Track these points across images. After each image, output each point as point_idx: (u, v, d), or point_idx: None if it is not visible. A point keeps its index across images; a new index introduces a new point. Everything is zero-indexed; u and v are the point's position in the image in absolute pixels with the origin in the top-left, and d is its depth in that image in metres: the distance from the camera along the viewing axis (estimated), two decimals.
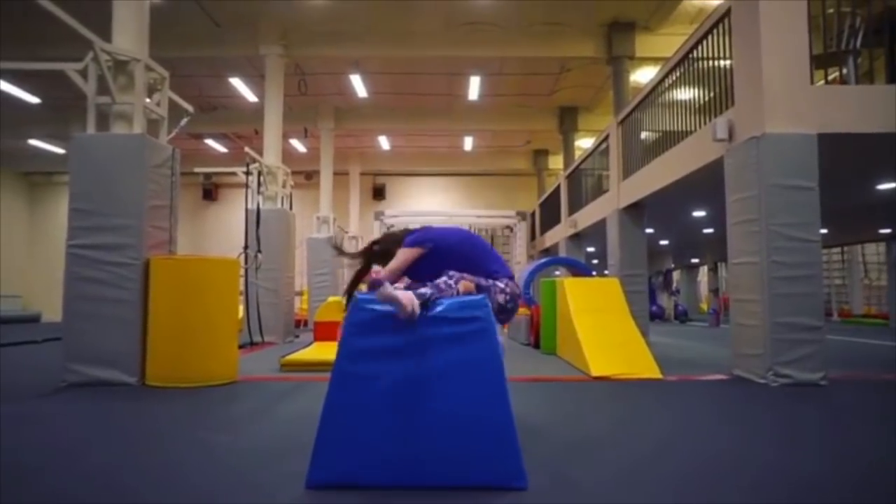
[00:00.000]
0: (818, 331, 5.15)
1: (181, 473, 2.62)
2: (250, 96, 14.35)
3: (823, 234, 5.56)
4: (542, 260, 12.28)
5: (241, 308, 8.65)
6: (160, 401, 4.38)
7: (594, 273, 11.44)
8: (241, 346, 6.84)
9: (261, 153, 10.43)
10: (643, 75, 12.77)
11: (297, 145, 18.40)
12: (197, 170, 14.45)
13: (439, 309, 2.45)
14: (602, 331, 6.38)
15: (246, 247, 8.75)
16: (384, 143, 19.22)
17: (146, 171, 5.20)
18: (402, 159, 20.93)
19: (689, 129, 7.28)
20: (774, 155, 5.21)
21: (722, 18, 6.20)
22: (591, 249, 15.67)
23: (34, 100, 13.60)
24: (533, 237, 18.13)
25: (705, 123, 6.63)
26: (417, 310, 2.38)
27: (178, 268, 5.19)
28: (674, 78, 7.83)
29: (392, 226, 14.73)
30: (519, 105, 16.26)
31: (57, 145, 17.05)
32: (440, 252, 2.92)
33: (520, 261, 14.40)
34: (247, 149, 9.38)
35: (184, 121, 6.29)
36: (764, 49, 5.31)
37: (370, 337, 2.42)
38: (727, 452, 3.00)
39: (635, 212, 9.54)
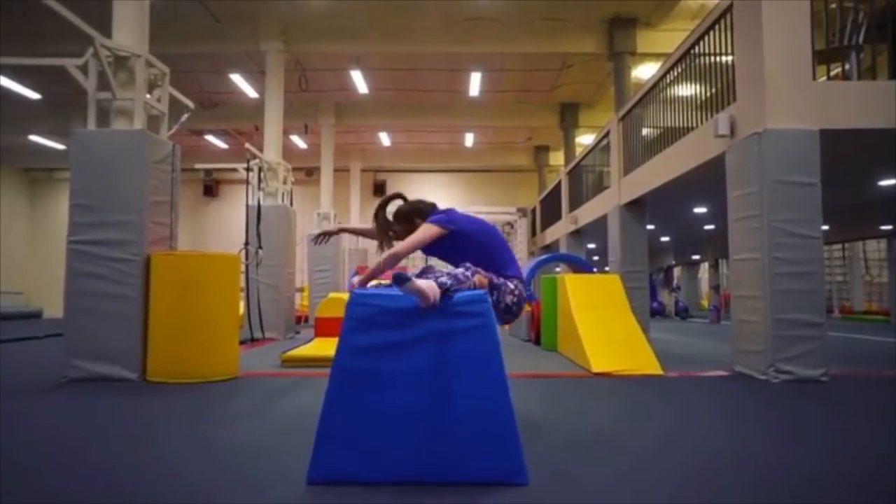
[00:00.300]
0: (819, 327, 5.15)
1: (181, 469, 2.62)
2: (251, 92, 14.33)
3: (825, 231, 5.54)
4: (543, 256, 12.27)
5: (242, 304, 8.66)
6: (161, 396, 4.38)
7: (595, 269, 11.43)
8: (241, 342, 6.85)
9: (261, 149, 10.43)
10: (644, 71, 12.74)
11: (298, 142, 18.39)
12: (198, 166, 14.46)
13: (442, 305, 2.45)
14: (603, 327, 6.37)
15: (247, 243, 8.76)
16: (385, 139, 19.21)
17: (147, 167, 5.20)
18: (403, 155, 20.91)
19: (690, 125, 7.27)
20: (776, 151, 5.20)
21: (724, 14, 6.17)
22: (591, 246, 15.67)
23: (35, 96, 13.59)
24: (534, 233, 18.13)
25: (707, 119, 6.62)
26: (438, 300, 2.38)
27: (179, 264, 5.19)
28: (675, 74, 7.81)
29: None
30: (520, 101, 16.24)
31: (57, 141, 17.05)
32: (459, 237, 2.90)
33: (520, 257, 14.40)
34: (247, 145, 9.37)
35: (184, 117, 6.28)
36: (766, 45, 5.30)
37: (370, 332, 2.42)
38: (728, 449, 3.00)
39: (636, 208, 9.52)
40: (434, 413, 2.35)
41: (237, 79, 13.74)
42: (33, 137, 16.96)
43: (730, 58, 6.11)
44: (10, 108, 14.04)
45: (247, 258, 8.66)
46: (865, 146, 6.08)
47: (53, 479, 2.46)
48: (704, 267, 24.27)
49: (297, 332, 10.46)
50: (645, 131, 9.21)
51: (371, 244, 16.56)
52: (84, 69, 5.26)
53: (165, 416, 3.77)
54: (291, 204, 10.55)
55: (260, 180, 9.79)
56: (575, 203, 13.34)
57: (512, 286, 2.97)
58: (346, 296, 6.98)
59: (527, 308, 9.15)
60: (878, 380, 5.49)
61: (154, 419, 3.71)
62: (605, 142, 11.07)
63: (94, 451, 2.90)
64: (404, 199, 3.13)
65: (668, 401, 4.44)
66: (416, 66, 13.74)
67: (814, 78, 5.45)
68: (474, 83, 14.30)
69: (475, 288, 2.68)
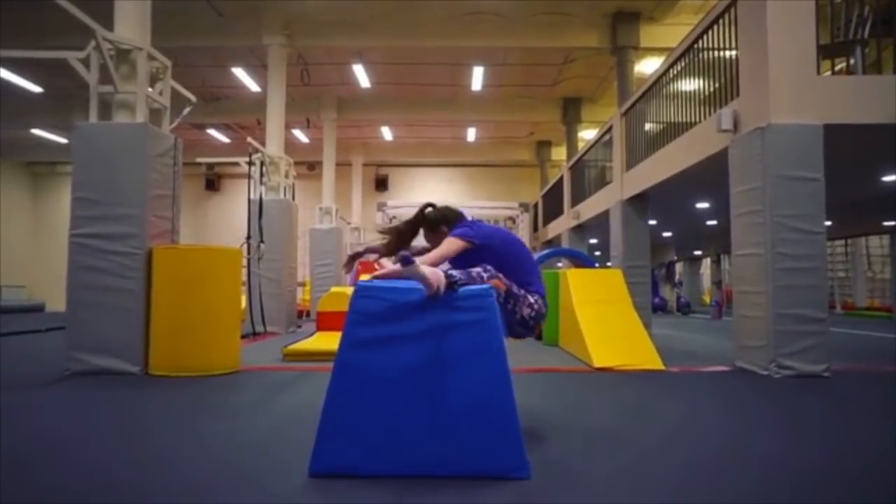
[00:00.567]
0: (821, 322, 5.14)
1: (181, 463, 2.62)
2: (253, 86, 14.30)
3: (828, 227, 5.53)
4: (545, 251, 12.26)
5: (244, 298, 8.67)
6: (162, 390, 4.39)
7: (597, 265, 11.43)
8: (243, 337, 6.86)
9: (263, 143, 10.41)
10: (648, 66, 12.69)
11: (300, 136, 18.37)
12: (199, 160, 14.43)
13: (446, 298, 2.43)
14: (604, 322, 6.37)
15: (248, 237, 8.75)
16: (387, 133, 19.17)
17: (149, 160, 5.19)
18: (405, 150, 20.89)
19: (693, 120, 7.24)
20: (780, 145, 5.18)
21: (728, 8, 6.14)
22: (593, 241, 15.65)
23: (37, 89, 13.58)
24: (535, 228, 18.11)
25: (710, 114, 6.59)
26: (443, 289, 2.38)
27: (181, 257, 5.20)
28: (679, 68, 7.78)
29: (394, 217, 14.76)
30: (522, 96, 16.19)
31: (59, 135, 17.04)
32: (482, 249, 2.87)
33: None
34: (249, 139, 9.36)
35: (186, 110, 6.27)
36: (770, 39, 5.27)
37: (373, 326, 2.42)
38: (730, 444, 3.00)
39: (638, 203, 9.51)
40: (436, 406, 2.35)
41: (239, 73, 13.71)
42: (35, 131, 16.95)
43: (733, 52, 6.08)
44: (12, 101, 14.04)
45: (248, 252, 8.66)
46: (869, 141, 6.06)
47: (53, 473, 2.47)
48: (706, 263, 24.28)
49: (299, 327, 10.47)
50: (648, 126, 9.18)
51: (373, 239, 16.57)
52: (86, 62, 5.24)
53: (166, 410, 3.78)
54: (293, 198, 10.54)
55: (262, 174, 9.78)
56: (577, 198, 13.32)
57: (532, 300, 2.92)
58: (348, 290, 6.99)
59: None
60: (880, 376, 5.48)
61: (155, 413, 3.72)
62: (607, 137, 11.04)
63: (95, 446, 2.91)
64: (433, 206, 3.19)
65: (670, 396, 4.44)
66: (419, 61, 13.69)
67: (818, 72, 5.43)
68: (476, 78, 14.26)
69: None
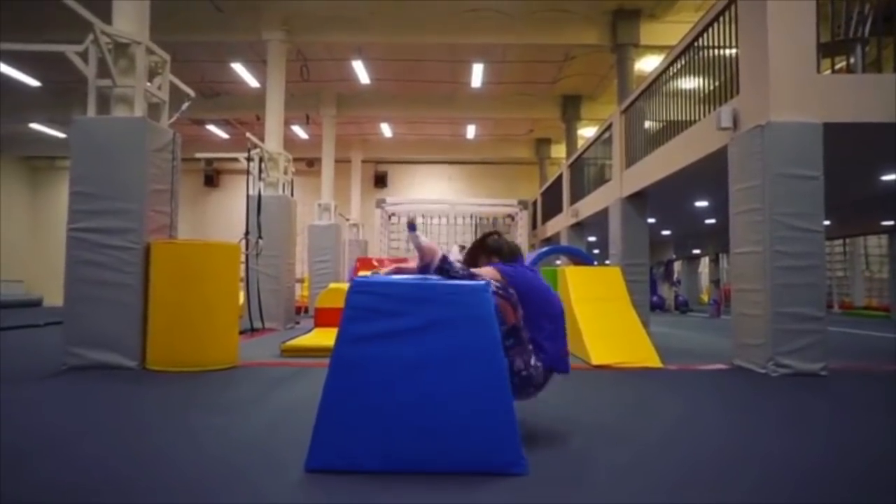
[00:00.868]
0: (819, 321, 5.14)
1: (177, 458, 2.62)
2: (252, 82, 14.27)
3: (826, 227, 5.53)
4: (544, 249, 12.25)
5: (242, 294, 8.66)
6: (160, 385, 4.39)
7: (595, 262, 11.42)
8: (241, 332, 6.84)
9: (262, 139, 10.39)
10: (648, 64, 12.68)
11: (299, 132, 18.34)
12: (198, 155, 14.37)
13: (442, 294, 2.44)
14: (603, 319, 6.36)
15: (247, 233, 8.74)
16: (386, 130, 19.15)
17: (147, 154, 5.18)
18: (404, 147, 20.86)
19: (693, 118, 7.23)
20: (779, 144, 5.17)
21: (728, 6, 6.13)
22: (592, 239, 15.66)
23: (35, 83, 13.54)
24: (534, 226, 18.11)
25: (710, 112, 6.59)
26: (434, 265, 2.49)
27: (179, 252, 5.19)
28: (679, 66, 7.77)
29: (393, 214, 14.73)
30: (522, 93, 16.18)
31: (58, 129, 17.01)
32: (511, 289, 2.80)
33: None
34: (248, 135, 9.34)
35: (185, 105, 6.25)
36: (770, 37, 5.26)
37: (369, 322, 2.41)
38: (729, 441, 3.00)
39: (638, 201, 9.50)
40: (433, 402, 2.35)
41: (238, 68, 13.68)
42: (34, 125, 16.91)
43: (733, 50, 6.07)
44: (10, 95, 14.00)
45: (247, 248, 8.65)
46: (869, 140, 6.06)
47: (49, 468, 2.46)
48: (705, 261, 24.30)
49: (297, 323, 10.47)
50: (647, 124, 9.17)
51: (371, 236, 16.55)
52: (84, 56, 5.23)
53: (163, 405, 3.77)
54: (292, 194, 10.52)
55: (261, 170, 9.76)
56: (576, 196, 13.31)
57: (532, 360, 2.73)
58: (346, 287, 6.98)
59: None
60: (877, 374, 5.49)
61: (152, 408, 3.71)
62: (607, 134, 11.04)
63: (92, 440, 2.90)
64: (499, 234, 3.19)
65: (668, 394, 4.44)
66: (418, 57, 13.67)
67: (818, 71, 5.42)
68: (476, 74, 14.23)
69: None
